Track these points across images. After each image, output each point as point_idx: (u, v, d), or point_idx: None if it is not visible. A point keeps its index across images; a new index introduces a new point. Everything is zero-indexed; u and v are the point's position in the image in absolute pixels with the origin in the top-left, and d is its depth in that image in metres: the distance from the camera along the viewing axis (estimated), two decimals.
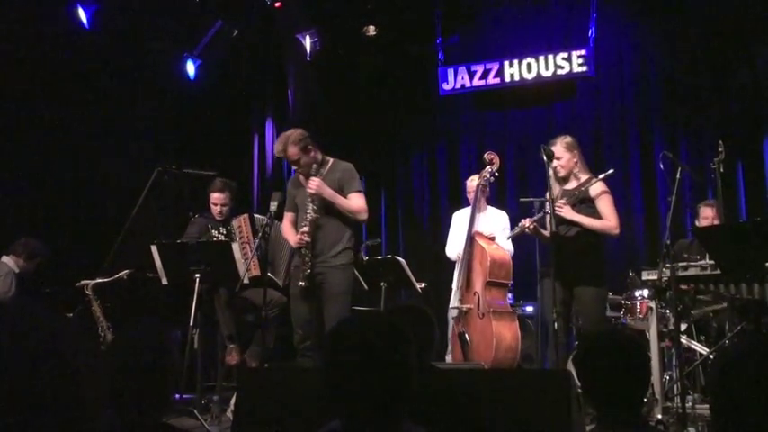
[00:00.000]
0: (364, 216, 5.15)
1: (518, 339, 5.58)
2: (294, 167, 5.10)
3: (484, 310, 5.54)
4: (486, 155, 5.95)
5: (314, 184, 4.89)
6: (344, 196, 5.01)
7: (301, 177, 5.09)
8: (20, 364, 0.81)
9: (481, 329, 5.52)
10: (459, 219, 6.41)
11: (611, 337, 2.29)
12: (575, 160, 4.93)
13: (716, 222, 5.77)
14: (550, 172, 4.97)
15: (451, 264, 6.23)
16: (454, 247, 6.21)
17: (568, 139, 5.05)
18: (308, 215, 4.93)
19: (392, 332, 1.74)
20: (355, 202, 5.03)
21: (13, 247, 6.22)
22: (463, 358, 5.54)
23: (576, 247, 4.75)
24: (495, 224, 6.08)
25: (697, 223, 5.99)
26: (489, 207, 6.22)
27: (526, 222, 5.00)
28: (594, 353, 2.20)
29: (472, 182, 6.26)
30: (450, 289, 6.20)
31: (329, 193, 4.92)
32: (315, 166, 5.02)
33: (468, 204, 6.33)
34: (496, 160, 5.88)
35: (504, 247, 5.96)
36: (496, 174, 5.92)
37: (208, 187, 5.85)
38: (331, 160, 5.13)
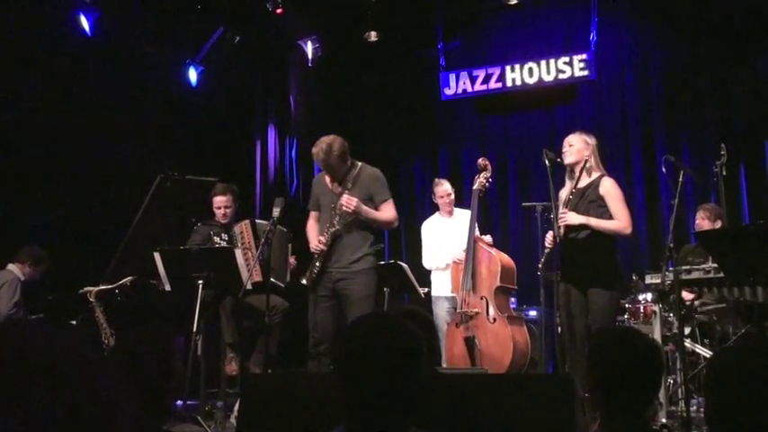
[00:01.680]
0: (395, 224, 5.17)
1: (528, 343, 5.58)
2: (327, 173, 5.02)
3: (495, 315, 5.53)
4: (479, 161, 5.98)
5: (351, 203, 4.79)
6: (375, 205, 4.97)
7: (327, 180, 5.05)
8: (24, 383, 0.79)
9: (494, 334, 5.50)
10: (431, 228, 6.43)
11: (629, 337, 2.21)
12: (587, 153, 4.82)
13: (705, 224, 5.76)
14: (569, 177, 4.94)
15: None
16: (435, 257, 6.26)
17: (587, 134, 4.97)
18: (333, 227, 4.89)
19: (401, 335, 1.72)
20: (386, 212, 4.99)
21: (19, 255, 6.25)
22: (471, 363, 5.53)
23: (588, 250, 4.67)
24: (467, 224, 6.09)
25: None
26: (456, 209, 6.29)
27: (548, 243, 4.92)
28: (612, 352, 2.13)
29: (440, 186, 6.31)
30: (432, 297, 6.22)
31: (365, 210, 4.86)
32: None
33: (438, 210, 6.40)
34: (489, 166, 5.92)
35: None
36: (490, 179, 5.95)
37: (211, 193, 5.85)
38: (359, 165, 5.04)
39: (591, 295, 4.67)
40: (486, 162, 5.94)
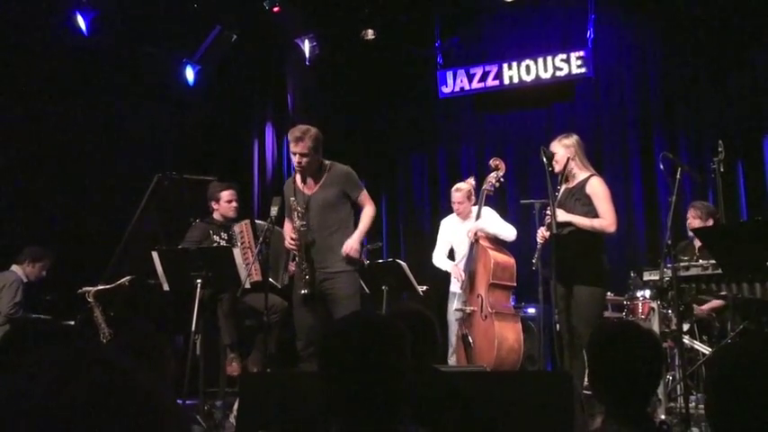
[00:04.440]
0: (375, 210, 5.15)
1: (521, 341, 5.58)
2: (296, 162, 4.98)
3: (486, 312, 5.55)
4: (491, 161, 5.96)
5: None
6: (353, 200, 5.01)
7: (298, 182, 5.07)
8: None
9: (484, 331, 5.53)
10: (446, 228, 6.40)
11: (628, 328, 2.24)
12: (568, 156, 4.89)
13: (696, 224, 5.73)
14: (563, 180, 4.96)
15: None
16: (440, 259, 6.28)
17: (566, 137, 5.01)
18: (295, 223, 4.91)
19: (380, 331, 1.73)
20: (367, 207, 5.04)
21: (20, 256, 6.27)
22: (466, 360, 5.54)
23: (572, 246, 4.70)
24: (489, 219, 6.07)
25: None
26: (474, 208, 6.27)
27: (539, 238, 4.94)
28: (612, 344, 2.15)
29: (456, 192, 6.25)
30: (449, 292, 6.23)
31: (360, 236, 4.95)
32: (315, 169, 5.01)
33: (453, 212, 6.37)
34: (502, 166, 5.89)
35: (509, 230, 5.99)
36: (502, 179, 5.92)
37: (212, 191, 5.80)
38: (329, 164, 5.08)
39: (575, 292, 4.73)
40: (498, 162, 5.90)
